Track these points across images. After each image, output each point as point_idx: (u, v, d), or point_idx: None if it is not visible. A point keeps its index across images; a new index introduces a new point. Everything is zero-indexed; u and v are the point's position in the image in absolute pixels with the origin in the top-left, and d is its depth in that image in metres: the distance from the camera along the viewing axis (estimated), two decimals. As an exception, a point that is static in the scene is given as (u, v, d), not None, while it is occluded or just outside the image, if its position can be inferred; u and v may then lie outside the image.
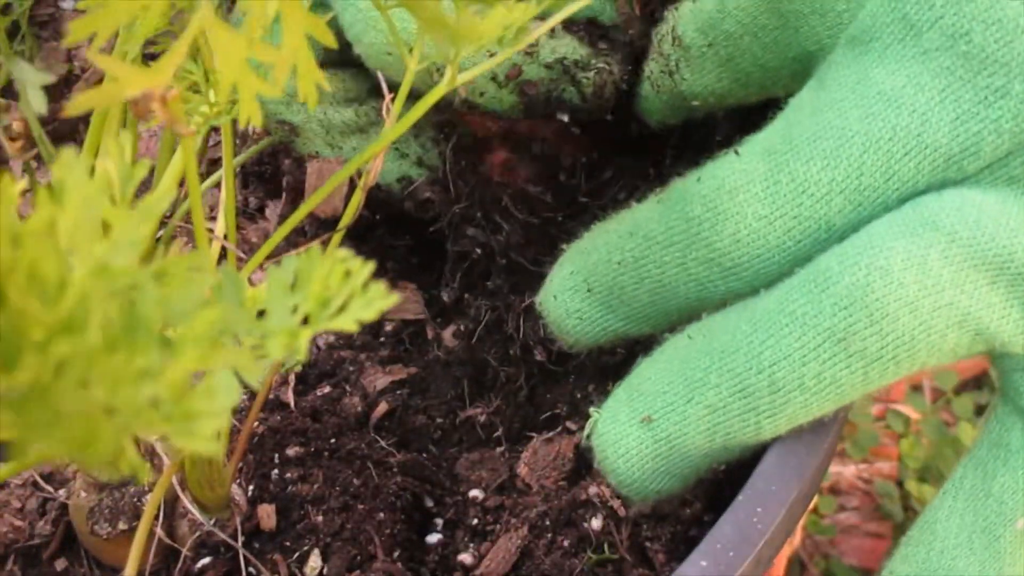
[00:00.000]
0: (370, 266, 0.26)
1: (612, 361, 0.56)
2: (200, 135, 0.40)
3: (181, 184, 0.64)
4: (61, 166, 0.21)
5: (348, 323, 0.25)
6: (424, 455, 0.57)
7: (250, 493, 0.54)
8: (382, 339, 0.64)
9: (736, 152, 0.43)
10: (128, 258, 0.22)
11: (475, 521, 0.53)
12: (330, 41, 0.26)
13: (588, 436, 0.47)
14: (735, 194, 0.42)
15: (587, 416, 0.55)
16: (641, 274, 0.45)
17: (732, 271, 0.42)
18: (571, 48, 0.52)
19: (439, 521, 0.54)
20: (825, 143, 0.40)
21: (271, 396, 0.59)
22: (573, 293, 0.48)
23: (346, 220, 0.46)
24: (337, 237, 0.47)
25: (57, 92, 0.72)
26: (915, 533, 0.43)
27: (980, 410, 1.09)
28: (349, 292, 0.25)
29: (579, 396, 0.57)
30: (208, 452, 0.20)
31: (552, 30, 0.52)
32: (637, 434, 0.43)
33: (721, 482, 0.50)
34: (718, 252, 0.42)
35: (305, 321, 0.25)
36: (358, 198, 0.46)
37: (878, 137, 0.39)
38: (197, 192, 0.30)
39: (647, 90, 0.53)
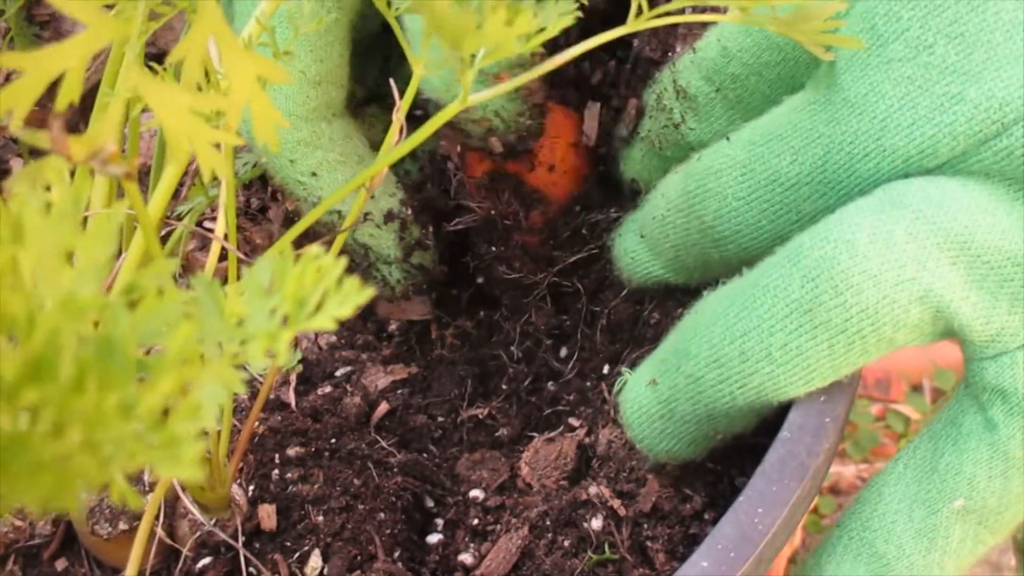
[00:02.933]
0: (342, 262, 0.25)
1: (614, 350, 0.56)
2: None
3: (181, 185, 0.64)
4: (17, 201, 0.21)
5: (326, 322, 0.25)
6: (425, 455, 0.56)
7: (251, 493, 0.54)
8: (385, 339, 0.64)
9: (728, 139, 0.48)
10: (94, 284, 0.21)
11: (476, 521, 0.53)
12: (283, 80, 0.26)
13: (617, 393, 0.50)
14: (719, 176, 0.47)
15: (587, 416, 0.55)
16: (666, 231, 0.51)
17: (720, 242, 0.48)
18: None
19: (439, 521, 0.54)
20: (794, 141, 0.44)
21: (272, 396, 0.59)
22: (630, 235, 0.55)
23: (349, 222, 0.46)
24: (341, 238, 0.47)
25: (57, 92, 0.72)
26: (864, 493, 0.46)
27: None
28: (324, 290, 0.25)
29: (581, 396, 0.57)
30: (194, 477, 0.20)
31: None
32: (645, 394, 0.47)
33: (721, 479, 0.50)
34: (707, 224, 0.48)
35: (284, 322, 0.25)
36: (360, 201, 0.46)
37: (840, 140, 0.42)
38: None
39: (640, 151, 0.57)
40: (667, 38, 0.58)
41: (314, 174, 0.57)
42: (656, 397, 0.46)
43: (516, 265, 0.61)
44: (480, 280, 0.64)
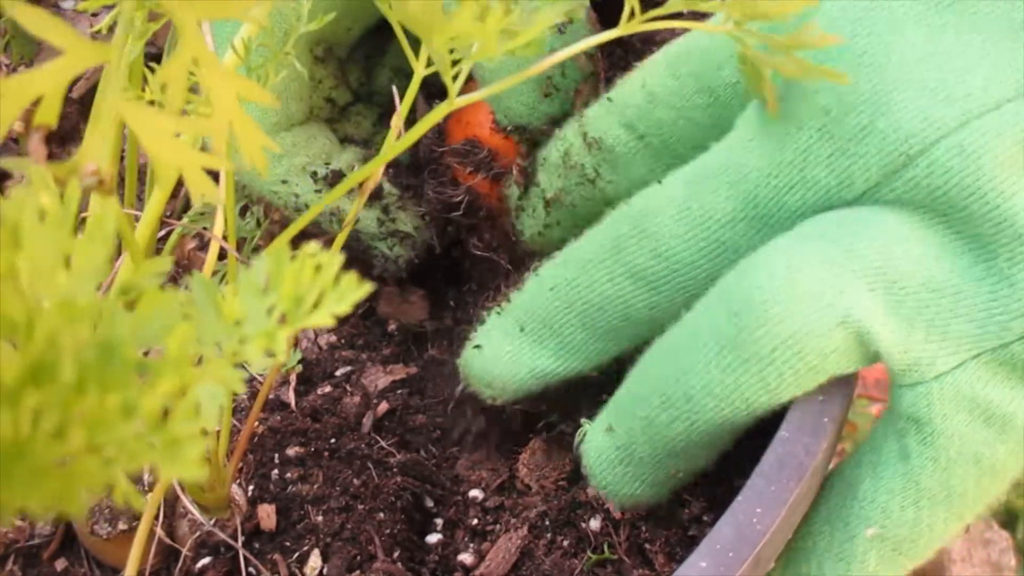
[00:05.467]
0: (339, 258, 0.25)
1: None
2: (200, 143, 0.40)
3: (180, 185, 0.64)
4: (13, 206, 0.21)
5: (324, 318, 0.25)
6: (424, 455, 0.56)
7: (250, 493, 0.54)
8: (384, 339, 0.64)
9: (660, 182, 0.47)
10: (91, 287, 0.21)
11: (475, 521, 0.53)
12: (265, 99, 0.25)
13: (578, 445, 0.49)
14: (656, 215, 0.46)
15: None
16: (572, 296, 0.49)
17: (654, 285, 0.46)
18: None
19: (439, 521, 0.54)
20: (728, 176, 0.44)
21: (272, 396, 0.59)
22: (503, 336, 0.51)
23: (349, 220, 0.46)
24: (341, 236, 0.47)
25: (58, 92, 0.72)
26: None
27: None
28: (321, 287, 0.25)
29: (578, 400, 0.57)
30: (196, 477, 0.20)
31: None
32: (603, 440, 0.47)
33: (720, 481, 0.50)
34: (641, 267, 0.46)
35: (282, 320, 0.25)
36: (358, 205, 0.46)
37: (768, 172, 0.43)
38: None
39: (546, 214, 0.55)
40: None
41: (284, 181, 0.58)
42: (614, 443, 0.46)
43: (486, 238, 0.60)
44: (454, 254, 0.64)
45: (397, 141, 0.41)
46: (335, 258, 0.25)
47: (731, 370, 0.41)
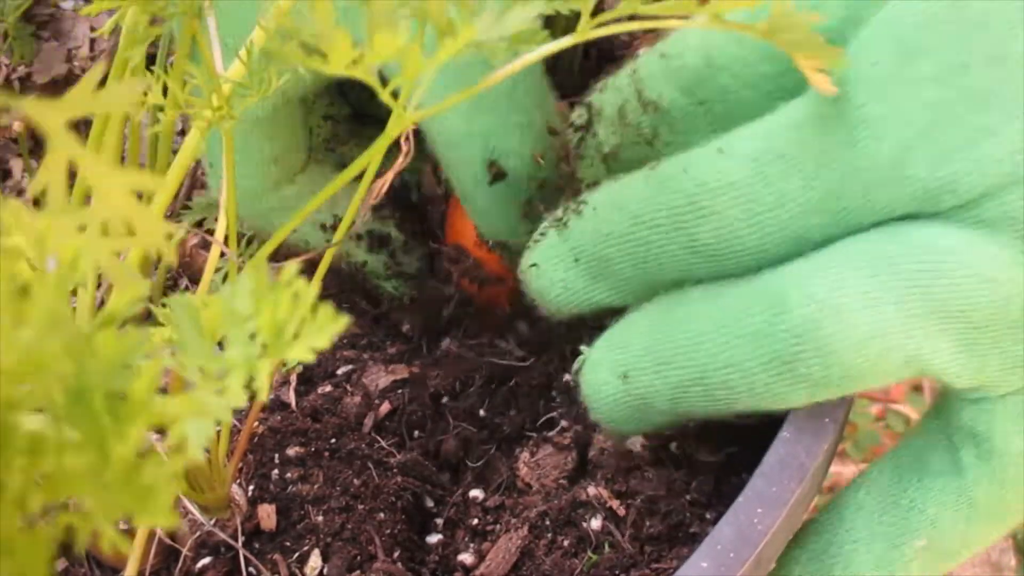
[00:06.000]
0: (315, 287, 0.25)
1: None
2: (204, 139, 0.40)
3: (180, 185, 0.64)
4: None
5: (303, 352, 0.24)
6: (424, 455, 0.56)
7: (250, 493, 0.54)
8: (388, 339, 0.64)
9: (720, 150, 0.42)
10: (54, 335, 0.21)
11: (475, 521, 0.53)
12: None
13: (576, 372, 0.49)
14: (717, 194, 0.42)
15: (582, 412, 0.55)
16: (627, 248, 0.45)
17: (715, 259, 0.43)
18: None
19: (439, 521, 0.54)
20: (805, 163, 0.39)
21: (272, 396, 0.59)
22: (558, 262, 0.48)
23: (339, 236, 0.46)
24: (329, 254, 0.47)
25: (58, 91, 0.72)
26: (824, 515, 0.45)
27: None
28: (300, 318, 0.25)
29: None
30: (168, 525, 0.20)
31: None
32: (615, 384, 0.46)
33: (721, 481, 0.50)
34: (700, 242, 0.43)
35: (262, 351, 0.24)
36: (345, 226, 0.45)
37: (858, 165, 0.38)
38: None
39: (600, 169, 0.51)
40: None
41: (294, 231, 0.58)
42: (628, 390, 0.45)
43: (471, 330, 0.63)
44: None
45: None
46: (312, 288, 0.25)
47: (778, 380, 0.40)
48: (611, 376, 0.46)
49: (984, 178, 0.36)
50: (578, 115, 0.52)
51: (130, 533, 0.49)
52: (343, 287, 0.65)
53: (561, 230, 0.48)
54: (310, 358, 0.25)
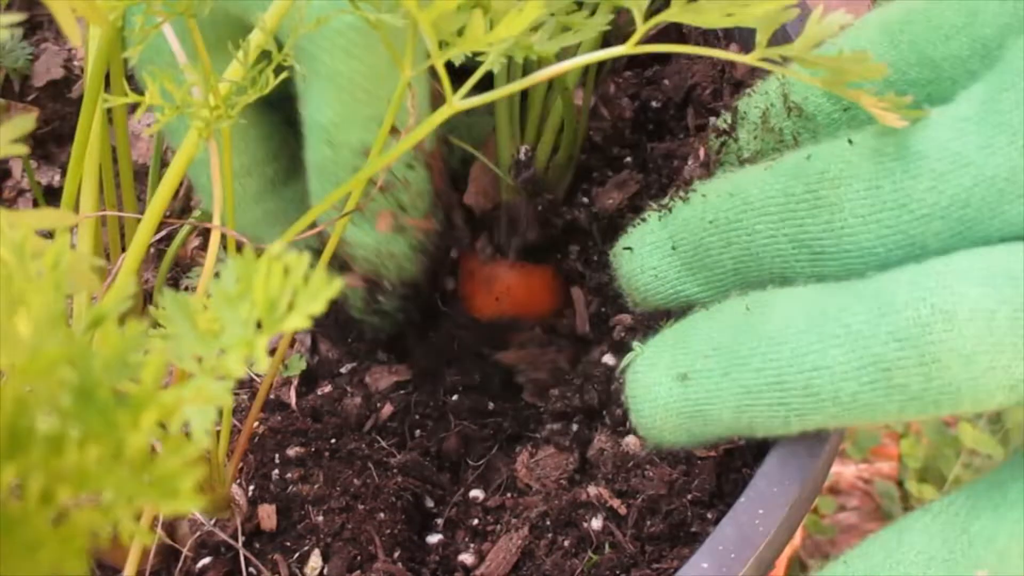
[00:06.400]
0: (305, 258, 0.25)
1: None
2: (203, 138, 0.40)
3: (180, 184, 0.64)
4: None
5: (300, 320, 0.24)
6: (424, 455, 0.56)
7: (251, 493, 0.54)
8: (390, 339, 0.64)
9: (849, 141, 0.41)
10: (54, 332, 0.21)
11: (475, 521, 0.53)
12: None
13: (623, 370, 0.45)
14: (836, 184, 0.40)
15: (587, 417, 0.55)
16: (730, 237, 0.44)
17: (820, 256, 0.41)
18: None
19: (440, 521, 0.54)
20: (936, 163, 0.37)
21: (272, 396, 0.59)
22: (653, 249, 0.47)
23: (334, 237, 0.46)
24: (330, 245, 0.47)
25: (57, 92, 0.72)
26: (884, 534, 0.42)
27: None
28: (293, 289, 0.25)
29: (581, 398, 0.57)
30: (195, 508, 0.20)
31: None
32: (671, 387, 0.43)
33: (722, 475, 0.50)
34: (810, 235, 0.41)
35: (259, 327, 0.24)
36: (341, 226, 0.45)
37: (993, 173, 0.36)
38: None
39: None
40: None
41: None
42: (686, 394, 0.42)
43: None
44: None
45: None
46: (302, 258, 0.25)
47: (871, 388, 0.37)
48: (666, 377, 0.43)
49: None
50: (723, 120, 0.50)
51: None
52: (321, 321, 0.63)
53: (664, 215, 0.47)
54: (307, 324, 0.24)
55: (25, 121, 0.23)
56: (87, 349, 0.20)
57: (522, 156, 0.58)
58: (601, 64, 0.61)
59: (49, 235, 0.70)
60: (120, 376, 0.20)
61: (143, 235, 0.40)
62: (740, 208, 0.43)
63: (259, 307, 0.24)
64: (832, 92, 0.41)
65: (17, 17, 0.29)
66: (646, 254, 0.47)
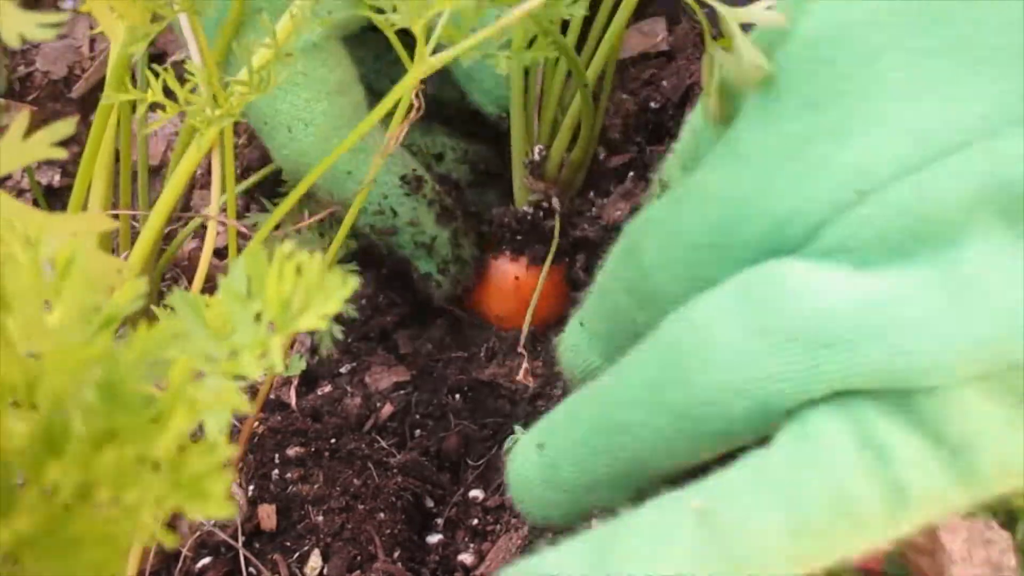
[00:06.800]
0: (318, 258, 0.25)
1: None
2: (206, 137, 0.40)
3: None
4: None
5: (313, 322, 0.24)
6: (424, 455, 0.56)
7: (250, 493, 0.54)
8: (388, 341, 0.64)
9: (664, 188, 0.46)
10: (82, 328, 0.21)
11: (475, 521, 0.53)
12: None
13: (507, 451, 0.47)
14: (646, 226, 0.44)
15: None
16: (601, 301, 0.48)
17: (643, 302, 0.44)
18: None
19: (439, 521, 0.54)
20: (697, 197, 0.41)
21: (272, 396, 0.59)
22: (574, 327, 0.50)
23: (366, 182, 0.45)
24: (360, 199, 0.46)
25: (57, 92, 0.72)
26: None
27: (980, 410, 1.09)
28: (306, 289, 0.24)
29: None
30: (226, 512, 0.19)
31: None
32: (531, 458, 0.44)
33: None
34: (633, 282, 0.44)
35: (271, 327, 0.24)
36: (375, 166, 0.45)
37: (731, 198, 0.39)
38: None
39: None
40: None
41: (323, 180, 0.57)
42: (542, 461, 0.44)
43: None
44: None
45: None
46: (316, 258, 0.25)
47: (652, 413, 0.39)
48: (529, 450, 0.44)
49: (823, 205, 0.37)
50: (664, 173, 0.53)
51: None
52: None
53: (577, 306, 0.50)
54: (322, 326, 0.24)
55: (65, 126, 0.23)
56: (113, 348, 0.20)
57: (536, 156, 0.58)
58: (615, 60, 0.61)
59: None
60: (145, 376, 0.20)
61: (150, 234, 0.40)
62: (603, 275, 0.47)
63: (271, 307, 0.24)
64: (684, 164, 0.47)
65: (56, 18, 0.28)
66: (568, 333, 0.50)
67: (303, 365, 0.60)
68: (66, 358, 0.19)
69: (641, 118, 0.66)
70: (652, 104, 0.66)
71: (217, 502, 0.20)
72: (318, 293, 0.24)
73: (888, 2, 0.37)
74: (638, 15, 0.65)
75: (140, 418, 0.20)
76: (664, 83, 0.67)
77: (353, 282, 0.24)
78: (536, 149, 0.58)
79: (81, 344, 0.20)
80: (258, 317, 0.24)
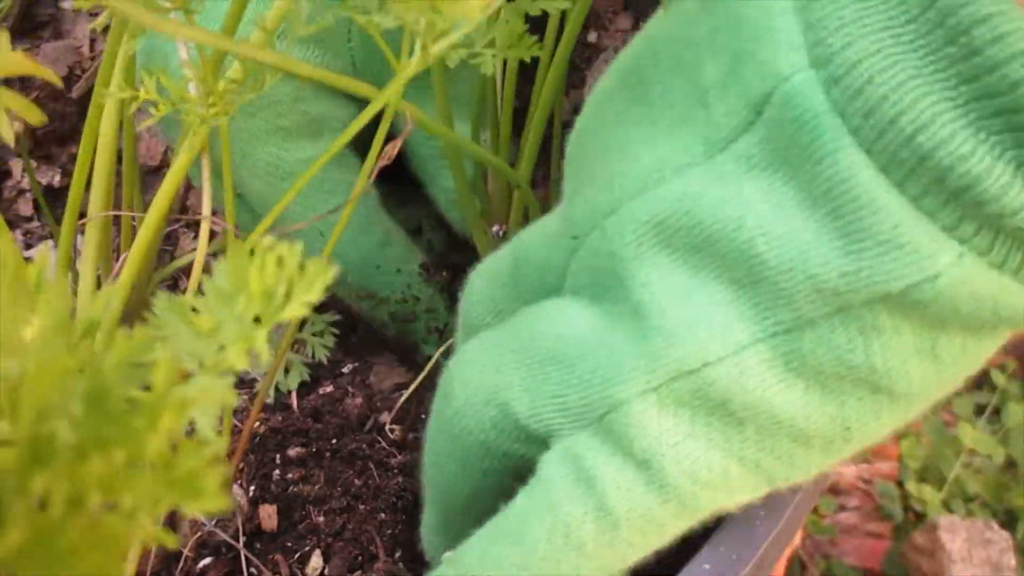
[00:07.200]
0: (298, 247, 0.25)
1: None
2: (199, 138, 0.40)
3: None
4: None
5: (297, 310, 0.25)
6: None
7: (251, 493, 0.54)
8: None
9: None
10: (60, 339, 0.21)
11: (476, 522, 0.53)
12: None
13: None
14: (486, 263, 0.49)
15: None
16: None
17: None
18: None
19: (440, 522, 0.54)
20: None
21: (273, 396, 0.59)
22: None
23: (362, 182, 0.46)
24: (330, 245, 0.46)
25: (57, 92, 0.72)
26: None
27: (980, 410, 1.09)
28: (288, 279, 0.25)
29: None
30: (221, 507, 0.19)
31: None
32: (426, 516, 0.48)
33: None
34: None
35: (257, 321, 0.24)
36: (346, 215, 0.45)
37: (516, 243, 0.45)
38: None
39: None
40: None
41: (398, 270, 0.60)
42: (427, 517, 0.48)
43: None
44: None
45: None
46: (295, 247, 0.25)
47: (441, 442, 0.43)
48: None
49: (561, 256, 0.42)
50: None
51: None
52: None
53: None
54: (305, 313, 0.25)
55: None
56: (94, 356, 0.20)
57: (499, 232, 0.61)
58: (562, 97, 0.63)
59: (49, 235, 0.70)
60: (130, 381, 0.20)
61: (146, 234, 0.40)
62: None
63: (255, 299, 0.24)
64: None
65: None
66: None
67: (304, 376, 0.60)
68: (47, 369, 0.19)
69: None
70: None
71: (212, 497, 0.20)
72: (300, 282, 0.24)
73: (616, 78, 0.41)
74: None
75: (128, 422, 0.20)
76: None
77: (334, 270, 0.25)
78: (494, 228, 0.61)
79: (61, 355, 0.20)
80: (242, 315, 0.24)
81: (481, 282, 0.47)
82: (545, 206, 0.63)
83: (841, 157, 0.32)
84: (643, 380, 0.36)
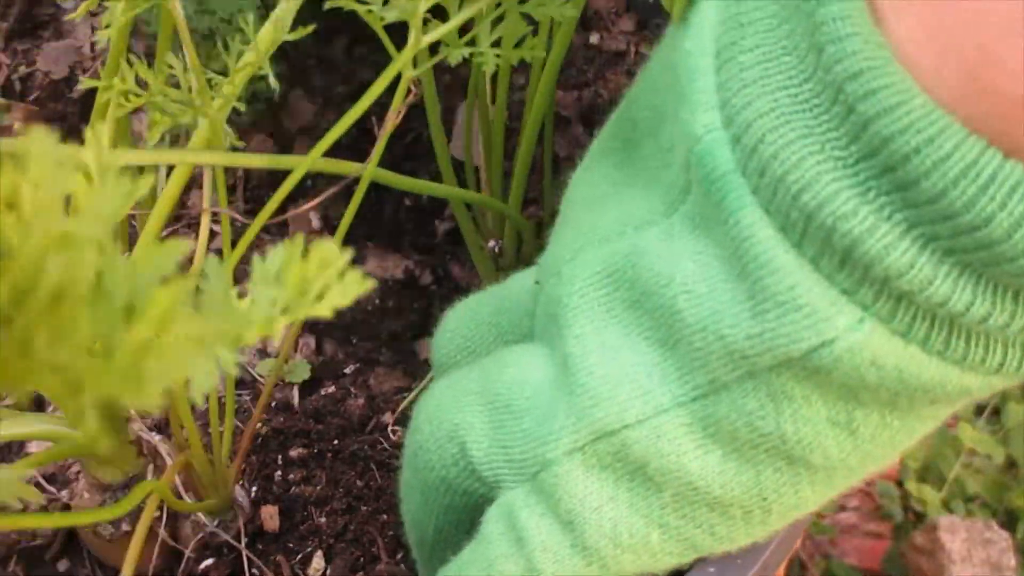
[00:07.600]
0: (347, 255, 0.26)
1: None
2: (198, 136, 0.40)
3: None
4: (27, 139, 0.21)
5: (324, 310, 0.25)
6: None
7: (253, 494, 0.54)
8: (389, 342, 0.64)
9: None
10: (93, 231, 0.21)
11: (478, 523, 0.53)
12: None
13: None
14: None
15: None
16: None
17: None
18: None
19: (442, 523, 0.54)
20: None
21: (275, 397, 0.59)
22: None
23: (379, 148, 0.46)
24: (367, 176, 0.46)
25: (58, 92, 0.72)
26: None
27: (980, 410, 1.09)
28: (326, 281, 0.25)
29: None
30: (150, 408, 0.20)
31: None
32: None
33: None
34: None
35: (284, 311, 0.25)
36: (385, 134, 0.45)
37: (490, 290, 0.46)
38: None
39: None
40: None
41: None
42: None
43: None
44: None
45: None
46: (344, 253, 0.26)
47: (412, 476, 0.42)
48: None
49: (528, 298, 0.43)
50: None
51: (128, 534, 0.50)
52: None
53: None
54: (328, 315, 0.25)
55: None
56: (118, 254, 0.21)
57: (494, 247, 0.62)
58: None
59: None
60: (138, 288, 0.21)
61: (151, 230, 0.40)
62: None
63: (290, 291, 0.25)
64: None
65: None
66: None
67: (307, 373, 0.60)
68: (62, 238, 0.20)
69: None
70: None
71: (149, 399, 0.21)
72: (336, 287, 0.25)
73: (610, 130, 0.41)
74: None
75: (116, 318, 0.20)
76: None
77: (371, 283, 0.25)
78: (490, 243, 0.61)
79: (83, 237, 0.20)
80: (275, 300, 0.25)
81: (456, 321, 0.46)
82: (538, 226, 0.63)
83: (743, 216, 0.31)
84: (570, 439, 0.36)
